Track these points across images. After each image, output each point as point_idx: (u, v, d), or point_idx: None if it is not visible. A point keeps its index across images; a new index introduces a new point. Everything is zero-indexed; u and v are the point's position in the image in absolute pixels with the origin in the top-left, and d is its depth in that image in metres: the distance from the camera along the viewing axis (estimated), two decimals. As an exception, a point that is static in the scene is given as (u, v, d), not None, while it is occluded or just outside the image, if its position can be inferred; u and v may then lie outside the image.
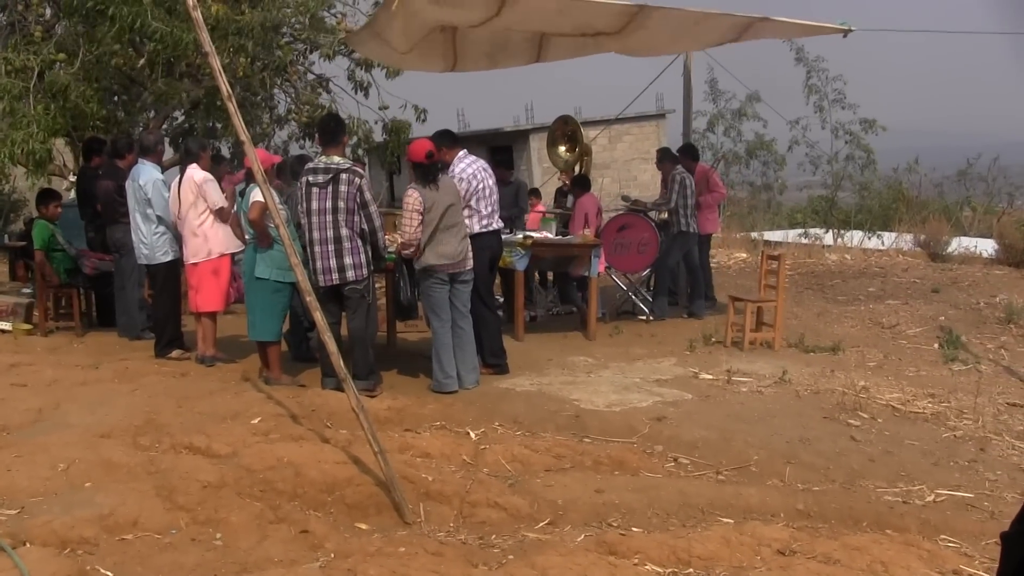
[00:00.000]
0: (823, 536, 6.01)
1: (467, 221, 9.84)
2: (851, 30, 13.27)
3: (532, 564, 5.28)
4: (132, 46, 14.68)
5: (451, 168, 9.97)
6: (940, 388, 9.78)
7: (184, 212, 10.38)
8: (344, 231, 8.92)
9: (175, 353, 10.89)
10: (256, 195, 9.06)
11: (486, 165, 10.36)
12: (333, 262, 8.93)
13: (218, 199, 10.35)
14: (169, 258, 10.92)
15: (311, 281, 7.32)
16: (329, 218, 8.90)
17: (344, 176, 8.92)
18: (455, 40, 13.74)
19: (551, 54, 15.19)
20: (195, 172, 10.43)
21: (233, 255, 10.61)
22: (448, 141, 10.22)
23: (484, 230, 10.08)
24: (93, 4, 12.53)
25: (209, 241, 10.39)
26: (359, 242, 9.02)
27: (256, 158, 6.97)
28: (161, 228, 10.84)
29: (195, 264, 10.45)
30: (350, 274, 8.97)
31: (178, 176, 10.62)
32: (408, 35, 12.85)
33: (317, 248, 8.94)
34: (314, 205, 8.93)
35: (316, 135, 9.61)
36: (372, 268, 9.23)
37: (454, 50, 14.19)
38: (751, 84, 30.64)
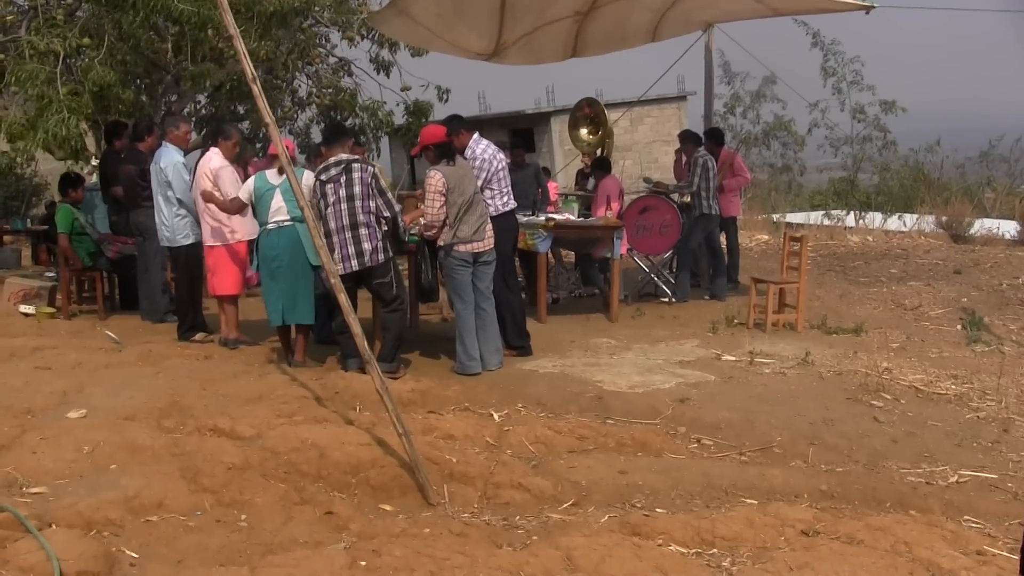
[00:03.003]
0: (846, 517, 6.00)
1: (491, 201, 9.89)
2: (873, 6, 13.21)
3: (556, 545, 5.29)
4: (155, 30, 14.68)
5: (470, 150, 10.00)
6: (963, 369, 9.75)
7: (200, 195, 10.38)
8: (361, 217, 8.98)
9: (198, 336, 10.92)
10: (307, 178, 9.32)
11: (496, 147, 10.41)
12: (351, 248, 8.98)
13: (230, 190, 10.23)
14: (190, 241, 10.91)
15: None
16: (344, 206, 8.97)
17: (356, 165, 9.07)
18: (502, 20, 13.66)
19: (588, 50, 15.29)
20: (213, 158, 10.41)
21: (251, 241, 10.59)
22: (461, 125, 10.23)
23: (505, 208, 10.11)
24: None
25: (227, 225, 10.36)
26: (376, 228, 9.07)
27: (280, 140, 7.00)
28: (183, 211, 10.83)
29: (212, 247, 10.46)
30: (368, 259, 9.01)
31: (198, 158, 10.62)
32: (439, 11, 12.86)
33: (335, 237, 8.97)
34: (330, 199, 9.02)
35: (321, 146, 9.82)
36: (391, 254, 9.26)
37: (499, 33, 14.12)
38: (768, 65, 30.34)
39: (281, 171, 9.44)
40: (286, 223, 9.47)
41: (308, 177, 9.37)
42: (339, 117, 18.48)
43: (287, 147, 9.52)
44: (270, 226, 9.53)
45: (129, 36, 13.45)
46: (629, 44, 15.78)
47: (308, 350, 9.98)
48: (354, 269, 8.99)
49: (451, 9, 13.23)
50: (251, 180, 9.79)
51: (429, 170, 9.42)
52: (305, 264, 9.50)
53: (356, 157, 9.22)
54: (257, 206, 9.65)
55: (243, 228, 10.34)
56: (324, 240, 8.62)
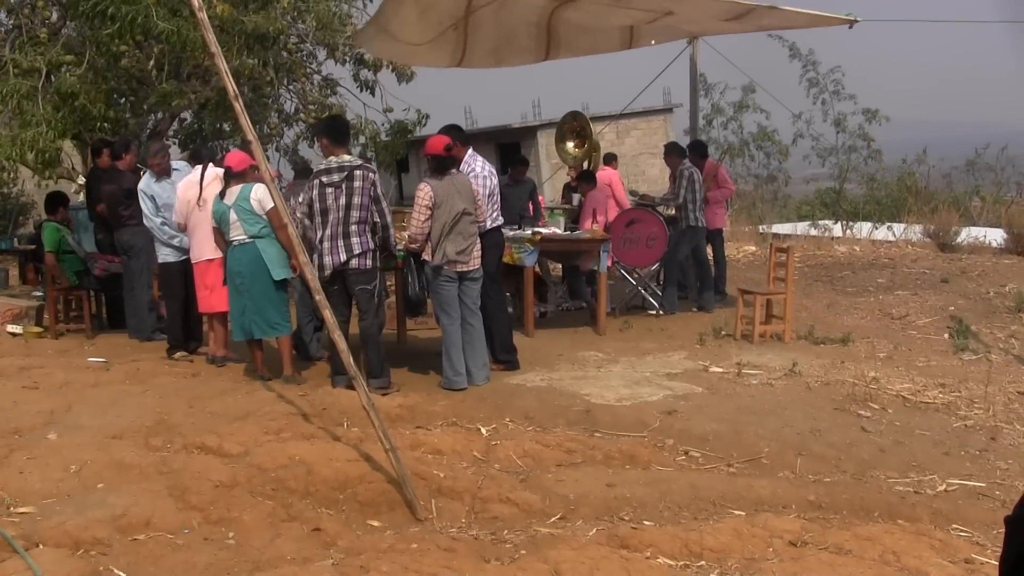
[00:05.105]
0: (835, 527, 6.01)
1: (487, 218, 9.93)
2: (856, 20, 13.26)
3: (544, 559, 5.29)
4: (138, 47, 14.66)
5: (468, 166, 10.01)
6: (950, 378, 9.77)
7: (205, 207, 10.23)
8: (354, 227, 8.99)
9: (177, 355, 10.89)
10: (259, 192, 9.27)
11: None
12: (342, 256, 8.99)
13: None
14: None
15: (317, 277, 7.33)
16: (342, 215, 8.98)
17: (359, 172, 9.03)
18: (466, 32, 13.67)
19: (560, 52, 15.25)
20: (215, 173, 10.35)
21: None
22: (458, 137, 10.19)
23: (493, 225, 10.11)
24: (93, 4, 12.49)
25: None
26: (368, 237, 9.09)
27: (263, 157, 6.99)
28: (150, 225, 10.99)
29: (211, 261, 10.33)
30: (354, 263, 9.02)
31: (198, 174, 10.40)
32: (419, 25, 12.81)
33: (327, 244, 8.99)
34: (329, 203, 9.00)
35: (322, 136, 9.51)
36: (380, 265, 9.25)
37: (464, 43, 14.12)
38: (752, 76, 30.41)
39: (222, 193, 9.52)
40: (246, 241, 9.49)
41: (258, 191, 9.37)
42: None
43: (241, 159, 9.56)
44: (234, 243, 9.56)
45: (107, 50, 13.43)
46: (604, 49, 15.79)
47: (297, 365, 9.99)
48: (340, 262, 8.99)
49: (418, 20, 13.13)
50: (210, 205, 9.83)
51: (420, 183, 9.42)
52: (267, 280, 9.50)
53: (359, 162, 9.20)
54: (221, 226, 9.63)
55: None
56: (306, 249, 8.59)
